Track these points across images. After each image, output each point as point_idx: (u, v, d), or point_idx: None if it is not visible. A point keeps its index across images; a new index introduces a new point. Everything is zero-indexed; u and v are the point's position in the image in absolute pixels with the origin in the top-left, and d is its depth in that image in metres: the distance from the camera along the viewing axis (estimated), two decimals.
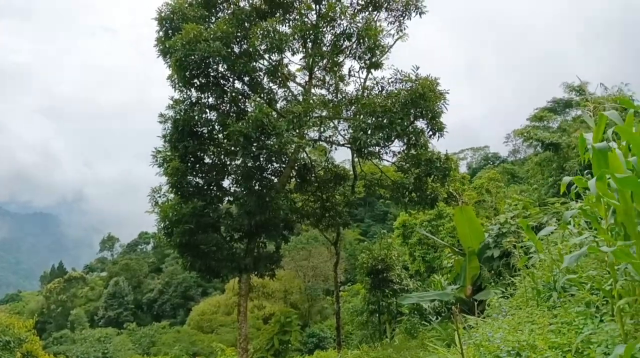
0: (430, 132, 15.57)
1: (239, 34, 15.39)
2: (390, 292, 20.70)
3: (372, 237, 54.65)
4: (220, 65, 15.33)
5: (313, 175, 18.81)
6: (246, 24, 15.47)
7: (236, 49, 15.64)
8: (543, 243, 8.91)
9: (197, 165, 15.72)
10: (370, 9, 17.30)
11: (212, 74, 15.31)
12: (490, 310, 8.80)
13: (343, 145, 17.96)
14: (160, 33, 15.71)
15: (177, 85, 15.41)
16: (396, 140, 15.98)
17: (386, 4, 17.15)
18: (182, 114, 14.97)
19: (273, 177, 16.61)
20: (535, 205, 16.38)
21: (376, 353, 16.02)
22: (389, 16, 17.39)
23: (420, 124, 15.83)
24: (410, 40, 18.19)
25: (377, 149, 16.40)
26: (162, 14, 15.54)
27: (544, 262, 7.98)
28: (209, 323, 50.56)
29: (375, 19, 17.25)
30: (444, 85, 15.24)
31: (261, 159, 15.00)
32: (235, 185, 16.52)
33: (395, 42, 17.54)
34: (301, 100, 16.67)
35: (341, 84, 18.30)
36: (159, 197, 15.73)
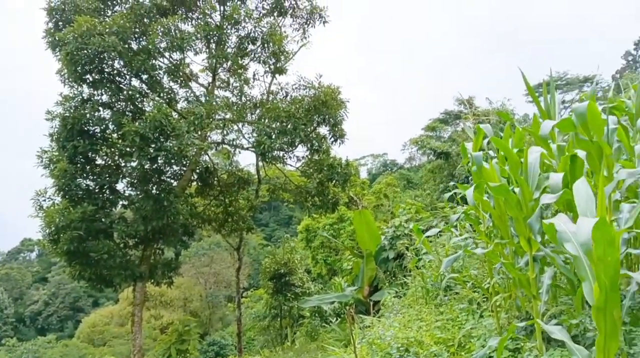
0: (332, 139, 16.01)
1: (137, 30, 14.69)
2: (292, 295, 20.85)
3: (277, 242, 54.68)
4: (116, 62, 14.49)
5: (215, 178, 18.41)
6: (145, 20, 14.82)
7: (134, 45, 14.88)
8: (433, 245, 9.54)
9: (88, 167, 14.63)
10: (275, 14, 17.39)
11: (106, 70, 14.41)
12: (385, 310, 9.23)
13: (247, 149, 17.81)
14: (50, 24, 14.54)
15: (67, 81, 14.29)
16: (300, 145, 16.20)
17: (291, 11, 17.36)
18: (72, 111, 13.87)
19: (172, 180, 16.00)
20: (428, 209, 17.47)
21: (277, 357, 16.04)
22: (294, 23, 17.63)
23: (323, 130, 16.23)
24: (319, 49, 18.55)
25: (281, 154, 16.48)
26: (52, 4, 14.41)
27: (433, 262, 8.54)
28: (101, 336, 47.21)
29: (280, 24, 17.38)
30: (348, 93, 15.78)
31: (159, 161, 14.39)
32: (130, 189, 15.66)
33: (299, 49, 17.82)
34: (204, 101, 16.27)
35: (246, 87, 18.12)
36: (44, 200, 14.42)
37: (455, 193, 7.02)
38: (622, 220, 3.98)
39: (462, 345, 5.52)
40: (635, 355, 3.61)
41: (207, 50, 16.80)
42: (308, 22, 17.43)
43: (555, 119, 4.56)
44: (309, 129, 15.23)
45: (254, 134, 16.41)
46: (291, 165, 17.73)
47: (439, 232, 7.63)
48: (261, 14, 17.10)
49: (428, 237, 9.02)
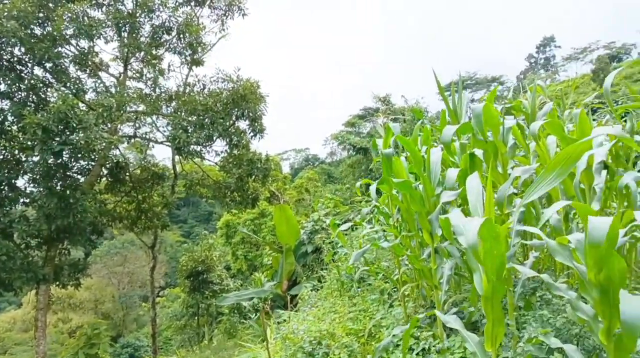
0: (252, 133, 15.82)
1: (41, 15, 13.58)
2: (210, 293, 20.46)
3: (196, 238, 53.34)
4: (17, 48, 13.33)
5: (127, 174, 17.52)
6: (50, 5, 13.74)
7: (37, 31, 13.76)
8: (349, 239, 9.76)
9: None
10: (192, 4, 16.86)
11: (5, 57, 13.22)
12: (302, 303, 9.33)
13: (162, 143, 17.13)
14: None
15: None
16: (218, 139, 15.83)
17: (209, 1, 16.92)
18: None
19: (79, 176, 14.98)
20: (347, 203, 17.85)
21: (193, 356, 15.67)
22: (212, 14, 17.20)
23: (242, 124, 15.98)
24: (240, 42, 18.22)
25: (198, 148, 16.00)
26: None
27: (349, 255, 8.76)
28: (1, 343, 43.42)
29: (197, 15, 16.87)
30: (271, 88, 15.66)
31: (64, 156, 13.41)
32: (32, 185, 14.47)
33: (218, 41, 17.42)
34: (114, 92, 15.39)
35: (161, 78, 17.36)
36: None
37: (367, 187, 7.24)
38: (515, 213, 4.31)
39: (373, 335, 5.71)
40: (536, 337, 3.93)
41: (119, 38, 15.91)
42: (227, 14, 17.08)
43: (462, 116, 4.81)
44: (227, 123, 14.93)
45: (169, 128, 15.81)
46: (209, 160, 17.31)
47: (353, 225, 7.81)
48: (177, 3, 16.49)
49: (344, 230, 9.22)
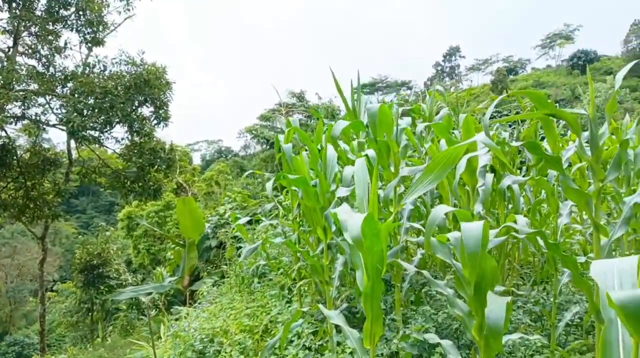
0: (156, 121, 15.05)
1: None
2: (106, 288, 19.26)
3: (95, 230, 50.16)
4: None
5: (15, 158, 15.94)
6: None
7: None
8: (253, 234, 9.62)
9: None
10: None
11: None
12: (201, 299, 9.05)
13: (54, 126, 15.74)
14: None
15: None
16: (118, 125, 14.88)
17: None
18: None
19: None
20: (258, 198, 17.64)
21: (85, 355, 14.68)
22: None
23: (146, 111, 15.15)
24: (153, 27, 17.14)
25: (96, 134, 14.93)
26: None
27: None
28: None
29: None
30: (186, 76, 15.00)
31: None
32: None
33: (124, 21, 16.35)
34: (1, 68, 13.91)
35: (57, 56, 15.97)
36: None
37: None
38: (405, 211, 4.44)
39: (269, 331, 5.65)
40: (410, 333, 4.06)
41: (9, 10, 14.38)
42: None
43: (360, 115, 4.86)
44: (128, 109, 14.05)
45: (63, 110, 14.58)
46: (108, 147, 16.22)
47: (257, 220, 7.69)
48: None
49: (249, 225, 9.04)
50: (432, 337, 2.83)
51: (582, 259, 4.15)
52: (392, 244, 4.36)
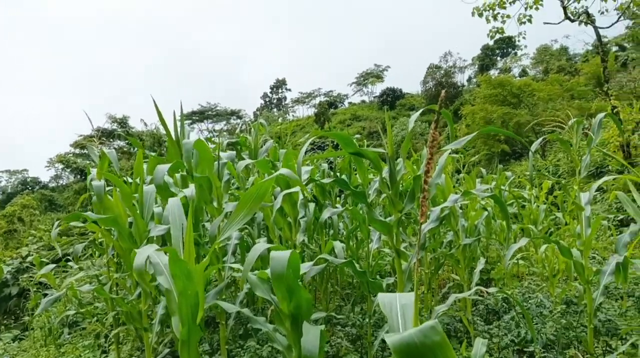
0: None
1: None
2: None
3: None
4: None
5: None
6: None
7: None
8: (65, 276, 8.55)
9: None
10: None
11: None
12: None
13: None
14: None
15: None
16: None
17: None
18: None
19: None
20: (73, 236, 15.80)
21: None
22: None
23: None
24: None
25: None
26: None
27: (64, 297, 7.64)
28: None
29: None
30: None
31: None
32: None
33: None
34: None
35: None
36: None
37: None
38: (230, 246, 4.41)
39: None
40: None
41: None
42: None
43: (183, 143, 4.69)
44: None
45: None
46: None
47: (61, 259, 6.88)
48: None
49: (57, 266, 8.00)
50: None
51: (391, 280, 4.60)
52: (218, 281, 4.28)
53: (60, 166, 39.43)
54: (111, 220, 3.35)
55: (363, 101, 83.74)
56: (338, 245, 4.37)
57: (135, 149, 26.69)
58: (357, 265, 3.10)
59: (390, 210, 3.24)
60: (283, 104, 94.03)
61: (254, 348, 3.88)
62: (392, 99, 65.12)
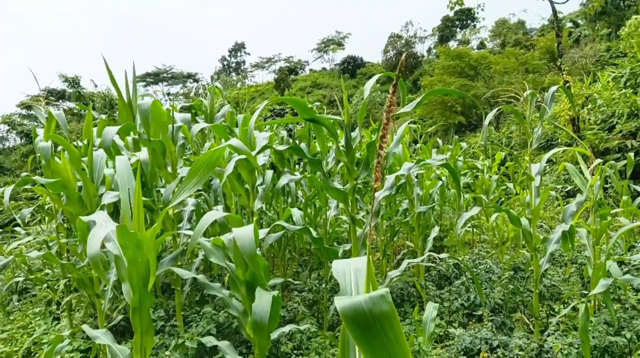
0: None
1: None
2: None
3: None
4: None
5: None
6: None
7: None
8: (13, 241, 8.23)
9: None
10: None
11: None
12: None
13: None
14: None
15: None
16: None
17: None
18: None
19: None
20: (20, 201, 15.15)
21: None
22: None
23: None
24: None
25: None
26: None
27: (8, 266, 7.37)
28: None
29: None
30: None
31: None
32: None
33: None
34: None
35: None
36: None
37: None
38: (185, 212, 4.33)
39: (33, 354, 4.93)
40: (195, 334, 3.99)
41: None
42: None
43: (135, 107, 4.51)
44: None
45: None
46: None
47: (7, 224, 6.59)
48: None
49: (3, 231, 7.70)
50: (210, 340, 2.82)
51: (347, 247, 4.67)
52: (173, 248, 4.21)
53: (6, 128, 37.39)
54: (60, 184, 3.21)
55: (324, 68, 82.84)
56: (296, 213, 4.37)
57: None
58: (314, 232, 3.12)
59: (347, 178, 3.26)
60: (242, 68, 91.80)
61: (210, 314, 3.88)
62: (353, 67, 64.74)
